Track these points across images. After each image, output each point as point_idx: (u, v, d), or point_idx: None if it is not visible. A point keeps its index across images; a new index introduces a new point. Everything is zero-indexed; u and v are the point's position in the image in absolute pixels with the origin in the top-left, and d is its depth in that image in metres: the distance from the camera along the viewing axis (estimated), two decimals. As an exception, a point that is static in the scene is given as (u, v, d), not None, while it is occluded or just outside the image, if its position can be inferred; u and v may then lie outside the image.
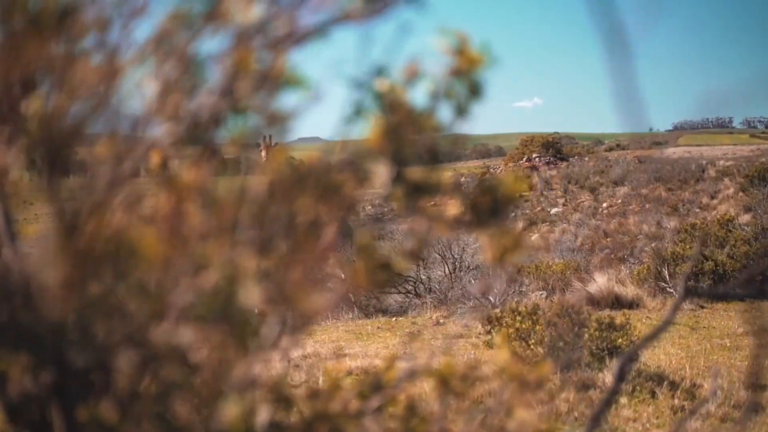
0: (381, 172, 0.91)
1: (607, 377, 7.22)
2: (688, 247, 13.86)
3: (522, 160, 49.49)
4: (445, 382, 1.08)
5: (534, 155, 49.31)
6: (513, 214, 0.97)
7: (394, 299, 15.47)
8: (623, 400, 6.86)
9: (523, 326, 7.97)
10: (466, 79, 0.95)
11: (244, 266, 0.69)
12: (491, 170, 49.53)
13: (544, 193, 40.34)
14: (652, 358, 8.51)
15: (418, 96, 0.92)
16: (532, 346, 7.90)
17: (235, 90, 0.79)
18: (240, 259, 0.70)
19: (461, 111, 0.95)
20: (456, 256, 16.03)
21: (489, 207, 0.96)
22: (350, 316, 13.45)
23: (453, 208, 0.95)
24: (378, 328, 11.90)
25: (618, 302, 12.54)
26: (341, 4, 0.84)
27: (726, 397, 6.91)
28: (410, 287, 15.81)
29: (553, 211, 36.25)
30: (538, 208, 37.08)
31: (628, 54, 0.99)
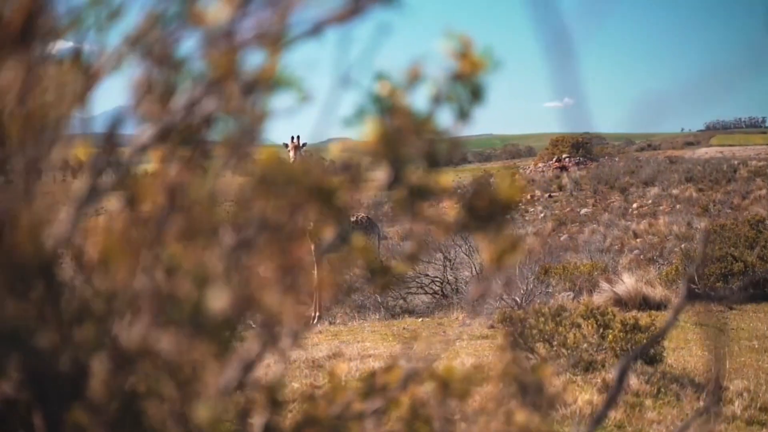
0: (378, 175, 0.92)
1: (631, 378, 7.15)
2: (717, 247, 13.70)
3: (552, 160, 49.15)
4: (445, 385, 1.08)
5: (564, 155, 48.93)
6: (510, 218, 0.97)
7: (421, 300, 15.45)
8: (648, 402, 6.79)
9: (547, 328, 7.91)
10: (468, 83, 0.94)
11: (214, 270, 0.70)
12: (520, 171, 49.22)
13: (574, 193, 40.10)
14: (678, 360, 8.42)
15: (418, 99, 0.92)
16: (555, 348, 7.85)
17: (222, 91, 0.79)
18: (210, 263, 0.71)
19: (463, 114, 0.95)
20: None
21: (486, 211, 0.96)
22: (377, 316, 13.45)
23: (451, 211, 0.95)
24: (404, 328, 11.88)
25: (646, 303, 12.43)
26: (323, 5, 0.84)
27: (752, 399, 6.82)
28: (437, 288, 15.78)
29: (583, 211, 36.01)
30: (568, 209, 36.85)
31: (571, 55, 0.99)
